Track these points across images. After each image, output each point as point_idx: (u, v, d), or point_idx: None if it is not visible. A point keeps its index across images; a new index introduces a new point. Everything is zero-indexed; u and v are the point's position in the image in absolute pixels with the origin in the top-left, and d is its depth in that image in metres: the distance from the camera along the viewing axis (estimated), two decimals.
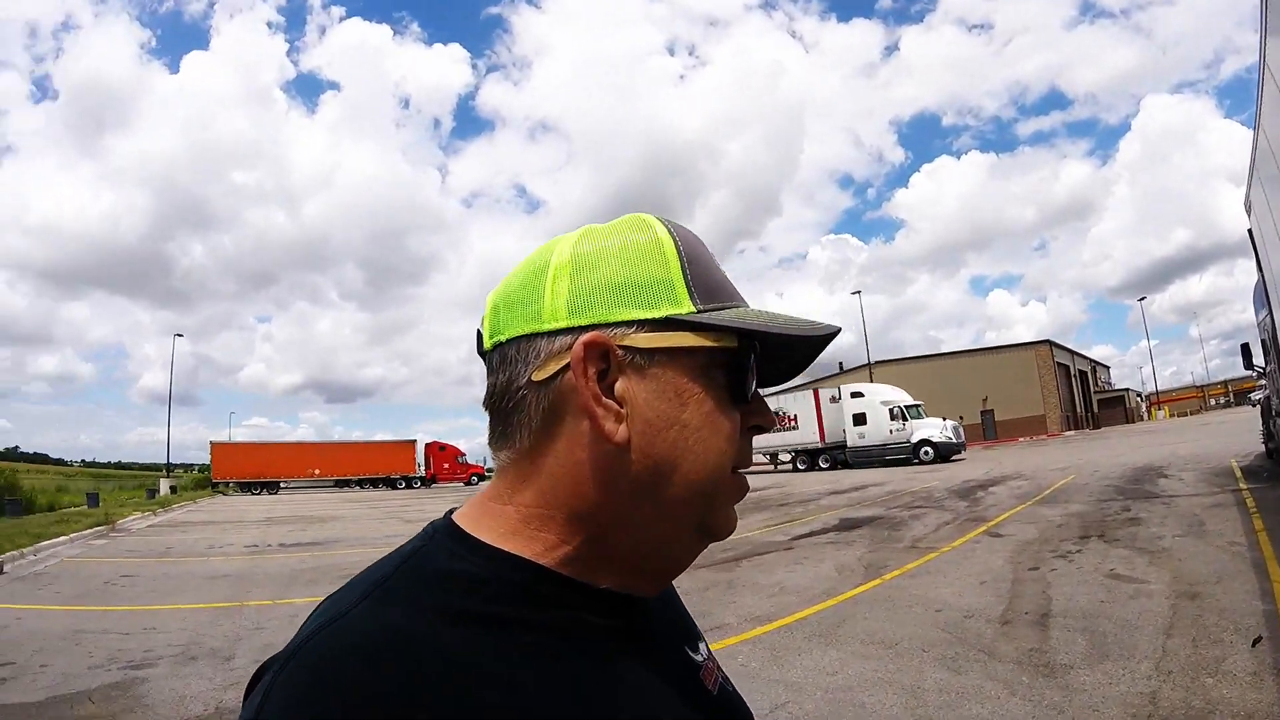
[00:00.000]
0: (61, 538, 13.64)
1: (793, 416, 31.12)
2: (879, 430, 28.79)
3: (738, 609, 5.87)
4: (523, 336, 0.53)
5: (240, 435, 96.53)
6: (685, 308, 0.52)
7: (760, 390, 0.58)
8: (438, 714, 0.41)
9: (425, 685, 0.42)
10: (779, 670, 4.23)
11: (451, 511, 0.56)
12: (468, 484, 46.23)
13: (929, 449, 27.34)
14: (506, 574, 0.49)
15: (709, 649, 0.66)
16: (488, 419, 0.55)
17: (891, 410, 28.66)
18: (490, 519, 0.53)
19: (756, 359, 0.55)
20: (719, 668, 0.66)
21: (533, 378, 0.52)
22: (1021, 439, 42.35)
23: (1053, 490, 12.62)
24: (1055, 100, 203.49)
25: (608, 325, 0.51)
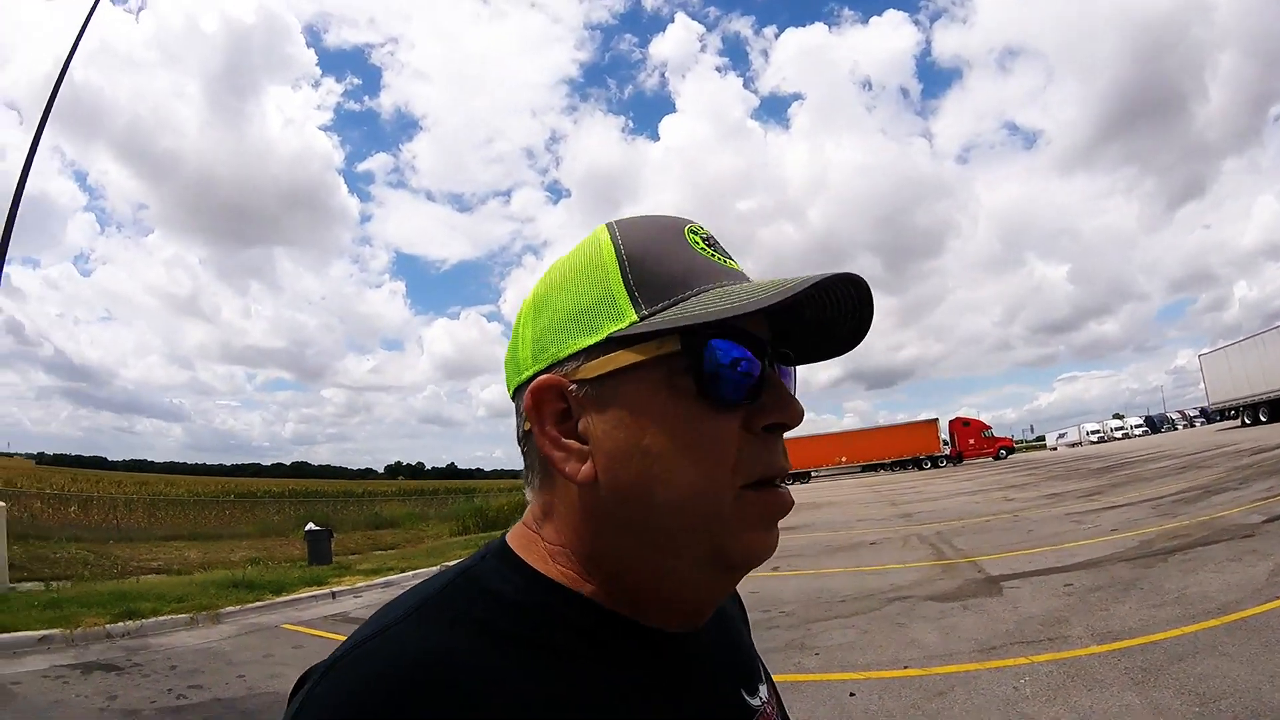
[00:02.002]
0: None
1: None
2: None
3: (1100, 620, 5.11)
4: (516, 389, 0.53)
5: (796, 429, 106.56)
6: (628, 319, 0.47)
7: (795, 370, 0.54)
8: None
9: (456, 706, 0.41)
10: (1039, 705, 3.76)
11: (507, 532, 0.56)
12: (996, 458, 43.14)
13: None
14: (549, 600, 0.49)
15: (771, 692, 0.63)
16: None
17: None
18: (534, 546, 0.52)
19: (739, 350, 0.47)
20: (780, 712, 0.63)
21: (525, 429, 0.52)
22: None
23: None
24: None
25: (560, 363, 0.49)
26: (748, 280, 0.51)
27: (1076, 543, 8.37)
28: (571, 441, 0.48)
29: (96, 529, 17.71)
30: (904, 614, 6.03)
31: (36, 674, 5.82)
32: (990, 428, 45.22)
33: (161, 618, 7.79)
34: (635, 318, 0.47)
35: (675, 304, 0.48)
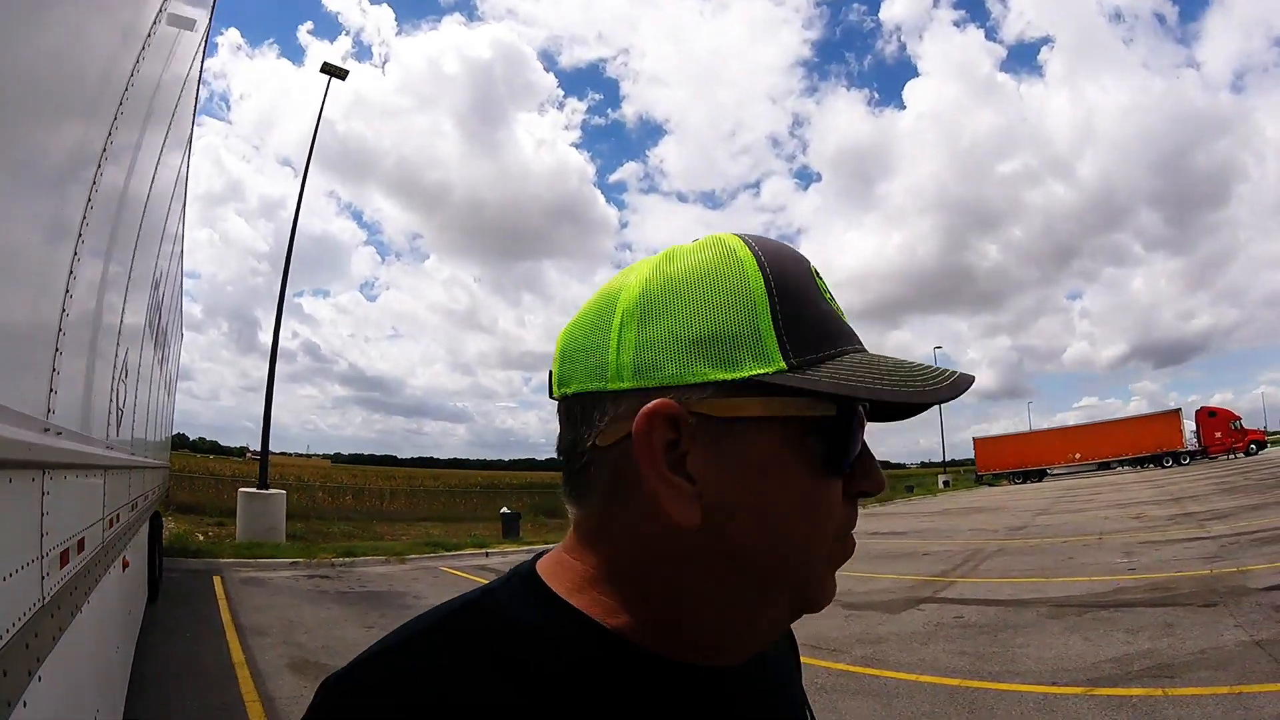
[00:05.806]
0: None
1: None
2: None
3: (885, 651, 5.22)
4: (587, 394, 0.45)
5: (1072, 418, 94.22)
6: (774, 364, 0.42)
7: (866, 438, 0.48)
8: None
9: None
10: None
11: (539, 556, 0.51)
12: (1246, 453, 35.69)
13: None
14: (571, 633, 0.45)
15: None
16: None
17: None
18: (564, 571, 0.48)
19: (862, 418, 0.45)
20: None
21: (597, 443, 0.45)
22: None
23: None
24: None
25: (679, 388, 0.42)
26: (858, 338, 0.48)
27: (1078, 578, 7.78)
28: (681, 480, 0.42)
29: (365, 512, 21.29)
30: None
31: (283, 576, 10.03)
32: (1240, 418, 37.25)
33: (368, 558, 11.87)
34: (783, 366, 0.42)
35: (825, 361, 0.43)
